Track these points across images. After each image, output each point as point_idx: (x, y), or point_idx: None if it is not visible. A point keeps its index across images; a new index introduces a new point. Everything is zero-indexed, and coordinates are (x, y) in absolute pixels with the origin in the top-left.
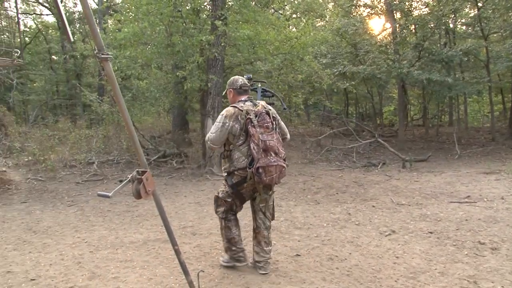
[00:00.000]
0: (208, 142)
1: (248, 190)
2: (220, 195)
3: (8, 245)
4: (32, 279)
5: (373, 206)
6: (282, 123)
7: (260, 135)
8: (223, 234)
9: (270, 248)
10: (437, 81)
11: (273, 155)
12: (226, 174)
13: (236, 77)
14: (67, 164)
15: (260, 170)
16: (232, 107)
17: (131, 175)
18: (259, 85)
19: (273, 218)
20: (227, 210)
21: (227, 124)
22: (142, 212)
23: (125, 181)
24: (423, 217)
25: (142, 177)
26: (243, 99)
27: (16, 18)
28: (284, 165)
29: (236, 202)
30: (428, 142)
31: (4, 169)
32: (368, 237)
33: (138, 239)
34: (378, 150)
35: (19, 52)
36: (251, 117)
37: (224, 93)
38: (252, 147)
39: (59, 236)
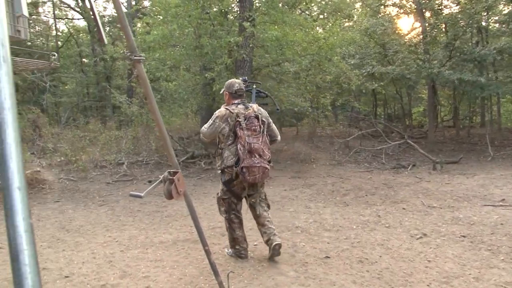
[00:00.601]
0: (201, 135)
1: (239, 187)
2: (219, 194)
3: (43, 242)
4: (66, 276)
5: (404, 209)
6: (273, 126)
7: (246, 138)
8: (228, 233)
9: (273, 226)
10: (469, 81)
11: (257, 156)
12: (220, 171)
13: (233, 81)
14: (98, 165)
15: (244, 170)
16: (224, 109)
17: (162, 175)
18: (254, 86)
19: (269, 208)
20: (228, 210)
21: (216, 124)
22: (171, 213)
23: (157, 182)
24: (455, 220)
25: (174, 177)
26: (236, 102)
27: (50, 23)
28: (268, 166)
29: (232, 200)
30: (459, 143)
31: (38, 169)
32: (399, 240)
33: (168, 239)
34: (407, 152)
35: (56, 55)
36: (240, 120)
37: (221, 92)
38: (238, 148)
39: (91, 235)
